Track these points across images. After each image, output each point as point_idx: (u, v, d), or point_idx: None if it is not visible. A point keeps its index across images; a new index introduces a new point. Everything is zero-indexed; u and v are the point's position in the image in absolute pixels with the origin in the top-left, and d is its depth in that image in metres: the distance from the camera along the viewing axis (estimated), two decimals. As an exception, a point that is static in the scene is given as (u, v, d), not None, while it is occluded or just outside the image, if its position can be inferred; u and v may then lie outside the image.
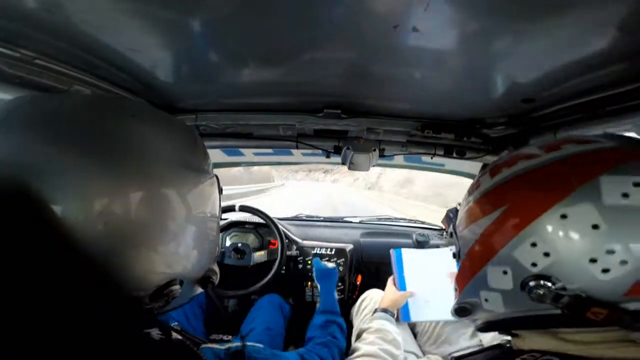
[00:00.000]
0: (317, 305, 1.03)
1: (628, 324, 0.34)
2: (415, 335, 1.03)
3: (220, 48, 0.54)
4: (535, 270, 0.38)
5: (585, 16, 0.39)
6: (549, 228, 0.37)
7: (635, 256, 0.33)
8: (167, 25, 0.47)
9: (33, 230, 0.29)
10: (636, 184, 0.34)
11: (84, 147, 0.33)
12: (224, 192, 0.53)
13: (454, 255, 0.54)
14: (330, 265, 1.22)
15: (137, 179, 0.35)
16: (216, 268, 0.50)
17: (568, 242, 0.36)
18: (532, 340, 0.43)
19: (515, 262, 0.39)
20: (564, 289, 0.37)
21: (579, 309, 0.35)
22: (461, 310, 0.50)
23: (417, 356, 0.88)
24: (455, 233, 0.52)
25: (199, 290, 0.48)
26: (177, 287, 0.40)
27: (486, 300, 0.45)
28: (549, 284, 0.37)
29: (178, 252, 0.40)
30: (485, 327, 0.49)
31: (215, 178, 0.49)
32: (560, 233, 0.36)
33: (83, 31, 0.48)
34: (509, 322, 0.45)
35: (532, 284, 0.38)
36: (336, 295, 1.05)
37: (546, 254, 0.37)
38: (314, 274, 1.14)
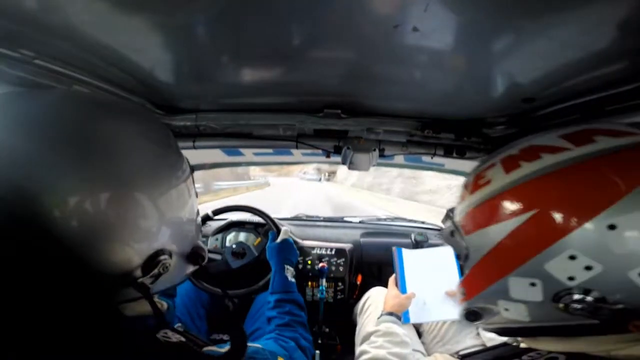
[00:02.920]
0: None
1: None
2: (420, 334, 1.03)
3: (220, 48, 0.54)
4: (572, 283, 0.33)
5: (585, 16, 0.39)
6: (593, 240, 0.31)
7: None
8: (166, 25, 0.47)
9: (16, 225, 0.31)
10: None
11: (59, 146, 0.34)
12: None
13: (458, 257, 0.50)
14: (281, 237, 1.11)
15: (108, 178, 0.36)
16: (202, 244, 0.52)
17: (616, 255, 0.31)
18: (547, 343, 0.40)
19: (547, 274, 0.34)
20: (603, 300, 0.33)
21: (620, 321, 0.32)
22: (471, 315, 0.46)
23: (423, 355, 0.88)
24: (460, 234, 0.47)
25: (191, 267, 0.50)
26: (165, 257, 0.41)
27: (506, 309, 0.40)
28: (588, 298, 0.33)
29: (168, 228, 0.42)
30: (502, 333, 0.46)
31: (187, 164, 0.51)
32: (607, 246, 0.31)
33: (83, 31, 0.48)
34: (532, 330, 0.40)
35: (567, 297, 0.34)
36: (289, 276, 0.97)
37: (588, 268, 0.32)
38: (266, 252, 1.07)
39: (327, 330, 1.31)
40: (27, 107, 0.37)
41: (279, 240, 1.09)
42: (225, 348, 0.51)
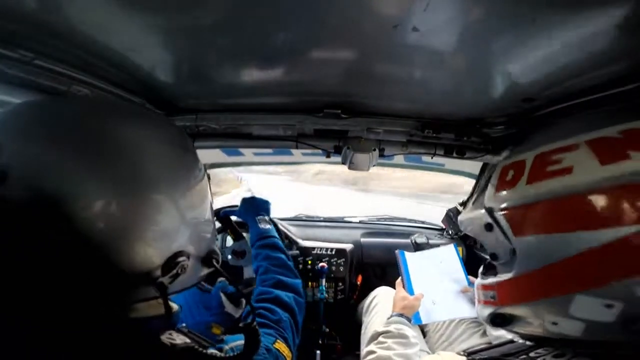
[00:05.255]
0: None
1: None
2: (425, 333, 1.03)
3: (219, 48, 0.54)
4: None
5: (585, 16, 0.39)
6: None
7: None
8: (167, 26, 0.47)
9: (43, 229, 0.32)
10: None
11: (84, 153, 0.36)
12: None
13: (493, 257, 0.43)
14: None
15: (130, 181, 0.38)
16: (217, 249, 0.54)
17: None
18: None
19: (634, 298, 0.28)
20: None
21: None
22: (499, 319, 0.41)
23: (427, 353, 0.88)
24: (505, 232, 0.39)
25: (205, 270, 0.52)
26: (184, 258, 0.43)
27: (554, 323, 0.35)
28: None
29: (185, 232, 0.44)
30: (532, 339, 0.42)
31: (204, 171, 0.52)
32: None
33: (82, 31, 0.48)
34: (570, 343, 0.35)
35: None
36: (263, 225, 0.96)
37: None
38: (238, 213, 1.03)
39: (327, 330, 1.31)
40: (50, 114, 0.39)
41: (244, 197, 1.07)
42: (230, 344, 0.52)
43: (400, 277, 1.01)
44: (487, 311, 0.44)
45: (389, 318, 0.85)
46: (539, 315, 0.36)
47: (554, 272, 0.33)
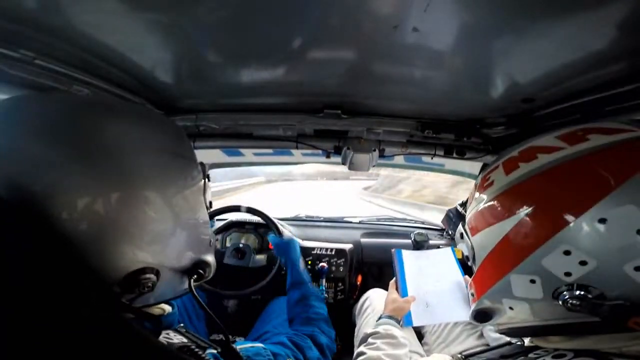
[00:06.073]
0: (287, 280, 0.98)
1: None
2: (422, 335, 1.03)
3: (220, 48, 0.54)
4: (569, 279, 0.34)
5: (585, 16, 0.39)
6: (586, 234, 0.32)
7: None
8: (167, 25, 0.47)
9: (20, 224, 0.30)
10: None
11: (69, 149, 0.34)
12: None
13: (467, 258, 0.50)
14: (287, 236, 1.16)
15: (117, 179, 0.36)
16: (209, 259, 0.49)
17: (609, 249, 0.31)
18: (556, 342, 0.40)
19: (545, 271, 0.35)
20: (602, 296, 0.33)
21: (620, 319, 0.32)
22: (480, 316, 0.46)
23: (421, 355, 0.88)
24: (468, 235, 0.48)
25: (187, 282, 0.46)
26: (152, 276, 0.38)
27: (511, 308, 0.41)
28: (586, 294, 0.33)
29: (156, 244, 0.40)
30: (511, 333, 0.46)
31: (201, 170, 0.49)
32: (599, 240, 0.31)
33: (83, 31, 0.48)
34: (539, 330, 0.41)
35: (566, 294, 0.34)
36: (302, 265, 1.01)
37: (582, 263, 0.32)
38: (273, 251, 1.07)
39: (327, 330, 1.31)
40: (35, 111, 0.37)
41: (285, 238, 1.11)
42: (237, 347, 0.52)
43: (394, 279, 1.01)
44: (472, 309, 0.48)
45: (378, 320, 0.85)
46: (499, 302, 0.42)
47: (492, 260, 0.42)
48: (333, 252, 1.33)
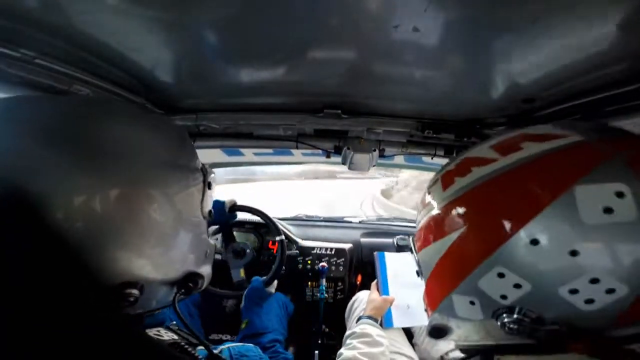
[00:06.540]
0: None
1: (613, 356, 0.29)
2: (412, 334, 1.03)
3: (220, 48, 0.54)
4: (505, 302, 0.32)
5: (585, 16, 0.39)
6: (518, 256, 0.30)
7: (624, 282, 0.27)
8: (167, 25, 0.47)
9: (18, 225, 0.30)
10: (619, 194, 0.26)
11: (68, 148, 0.34)
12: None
13: (417, 274, 0.48)
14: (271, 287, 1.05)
15: (113, 179, 0.36)
16: (204, 271, 0.48)
17: (542, 272, 0.29)
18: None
19: (482, 293, 0.33)
20: (540, 319, 0.31)
21: (558, 342, 0.30)
22: (436, 331, 0.43)
23: (404, 355, 0.87)
24: (414, 250, 0.46)
25: (175, 292, 0.45)
26: (134, 291, 0.37)
27: (457, 327, 0.39)
28: (524, 318, 0.31)
29: (148, 254, 0.38)
30: (465, 351, 0.44)
31: (202, 176, 0.49)
32: (532, 262, 0.29)
33: (83, 31, 0.48)
34: (487, 350, 0.38)
35: (504, 316, 0.32)
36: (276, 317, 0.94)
37: (517, 286, 0.31)
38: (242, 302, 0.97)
39: (326, 330, 1.31)
40: (32, 110, 0.37)
41: (269, 288, 1.02)
42: (218, 349, 0.51)
43: (375, 281, 1.01)
44: (427, 324, 0.45)
45: (357, 321, 0.86)
46: (446, 320, 0.40)
47: (435, 278, 0.39)
48: (333, 252, 1.33)
